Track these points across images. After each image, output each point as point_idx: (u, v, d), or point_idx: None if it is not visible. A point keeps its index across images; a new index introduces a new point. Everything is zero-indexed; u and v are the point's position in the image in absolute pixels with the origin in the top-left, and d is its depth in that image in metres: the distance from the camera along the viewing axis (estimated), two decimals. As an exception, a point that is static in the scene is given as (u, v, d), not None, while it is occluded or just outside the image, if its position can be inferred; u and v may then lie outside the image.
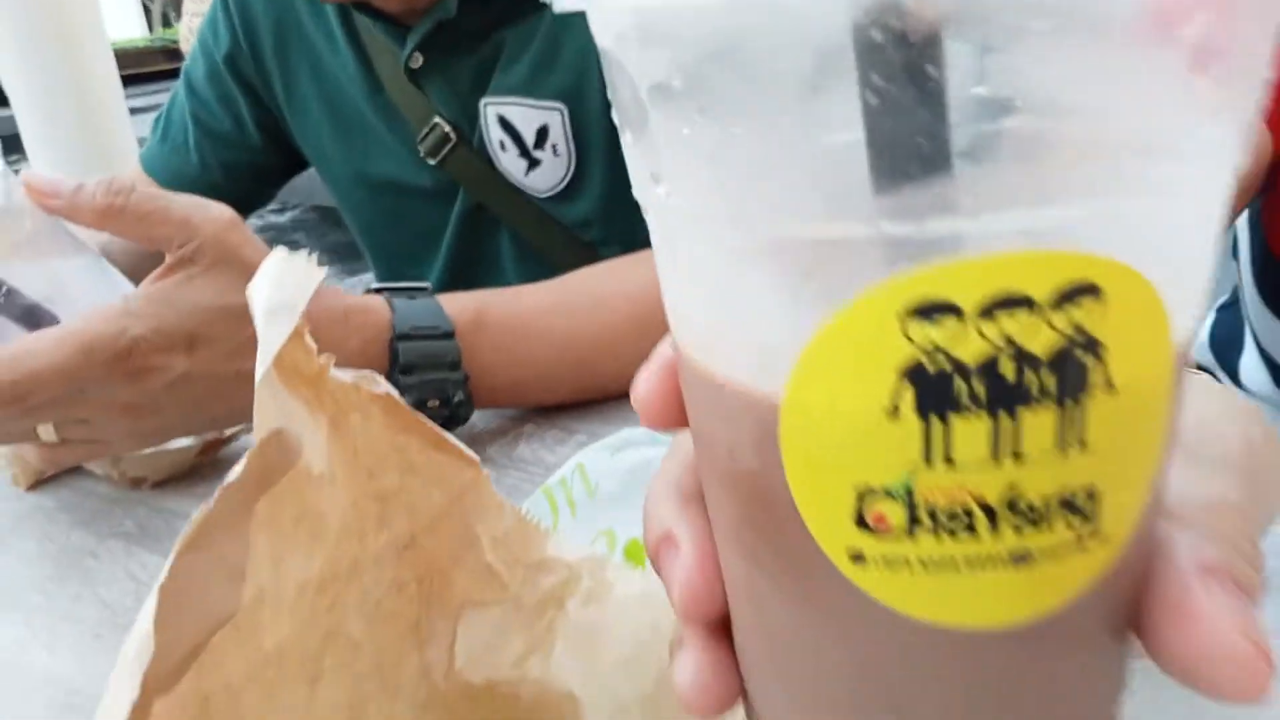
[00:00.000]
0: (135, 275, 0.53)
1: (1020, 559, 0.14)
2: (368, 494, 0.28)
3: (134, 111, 2.01)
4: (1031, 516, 0.14)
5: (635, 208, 0.16)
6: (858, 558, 0.15)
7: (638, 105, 0.14)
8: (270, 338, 0.22)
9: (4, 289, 0.48)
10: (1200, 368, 0.74)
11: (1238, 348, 0.73)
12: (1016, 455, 0.13)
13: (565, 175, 0.76)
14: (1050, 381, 0.13)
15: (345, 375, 0.27)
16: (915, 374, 0.13)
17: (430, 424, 0.29)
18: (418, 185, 0.84)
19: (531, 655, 0.30)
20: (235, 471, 0.23)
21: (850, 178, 0.12)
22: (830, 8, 0.11)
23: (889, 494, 0.14)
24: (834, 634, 0.16)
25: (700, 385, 0.16)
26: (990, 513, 0.14)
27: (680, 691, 0.18)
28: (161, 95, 1.06)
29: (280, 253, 0.22)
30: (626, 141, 0.15)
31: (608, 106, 0.16)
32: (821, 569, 0.15)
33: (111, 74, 1.84)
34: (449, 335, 0.55)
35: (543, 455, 0.57)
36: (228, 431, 0.59)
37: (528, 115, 0.75)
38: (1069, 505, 0.14)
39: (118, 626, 0.45)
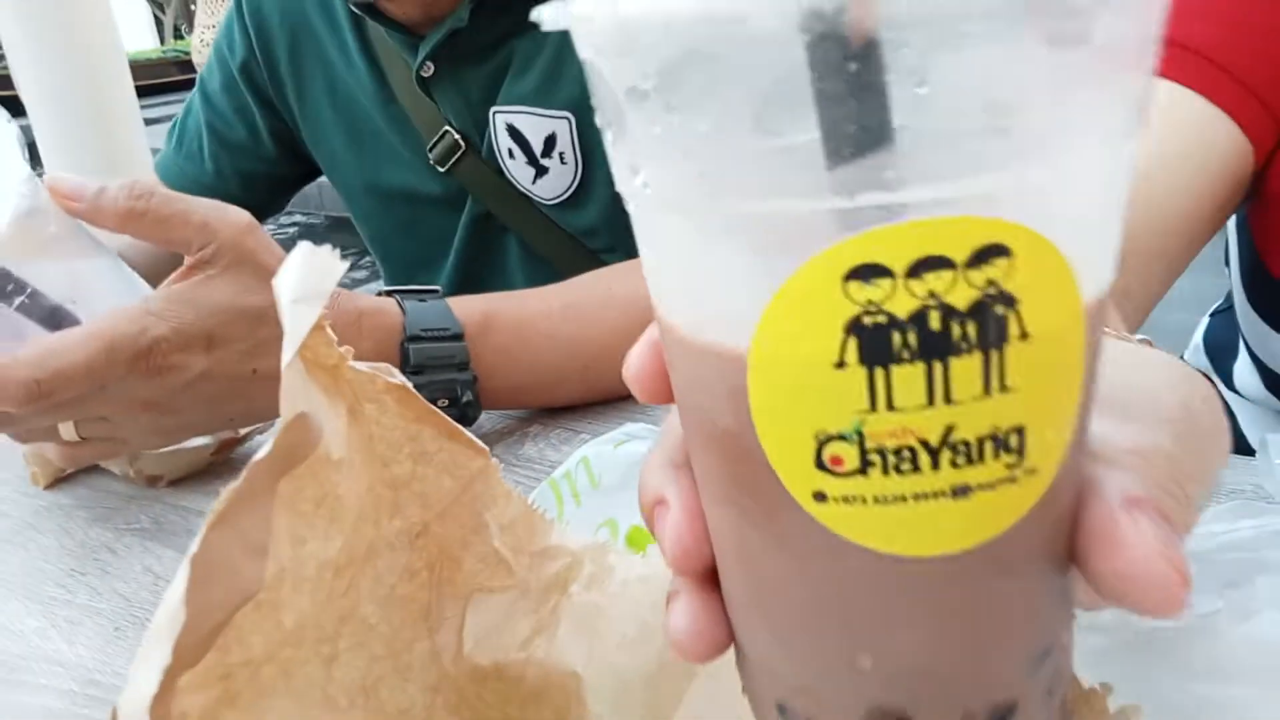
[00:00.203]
0: (148, 277, 0.55)
1: (960, 491, 0.16)
2: (383, 481, 0.29)
3: (145, 123, 2.03)
4: (967, 453, 0.16)
5: None
6: (820, 497, 0.17)
7: (616, 107, 0.16)
8: (296, 326, 0.23)
9: (28, 290, 0.49)
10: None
11: (1232, 353, 0.74)
12: (950, 399, 0.15)
13: (572, 183, 0.77)
14: (972, 331, 0.15)
15: (362, 366, 0.28)
16: (858, 328, 0.15)
17: (442, 414, 0.30)
18: (428, 193, 0.85)
19: (537, 637, 0.31)
20: (263, 450, 0.24)
21: (798, 161, 0.14)
22: (778, 23, 0.13)
23: (843, 438, 0.16)
24: (805, 569, 0.18)
25: (681, 354, 0.18)
26: (932, 451, 0.16)
27: (675, 638, 0.20)
28: (173, 106, 1.07)
29: (305, 246, 0.23)
30: (608, 140, 0.17)
31: None
32: (790, 510, 0.17)
33: (126, 85, 1.85)
34: (458, 337, 0.57)
35: (548, 454, 0.58)
36: (242, 431, 0.60)
37: (536, 124, 0.76)
38: (999, 442, 0.16)
39: (135, 619, 0.46)
